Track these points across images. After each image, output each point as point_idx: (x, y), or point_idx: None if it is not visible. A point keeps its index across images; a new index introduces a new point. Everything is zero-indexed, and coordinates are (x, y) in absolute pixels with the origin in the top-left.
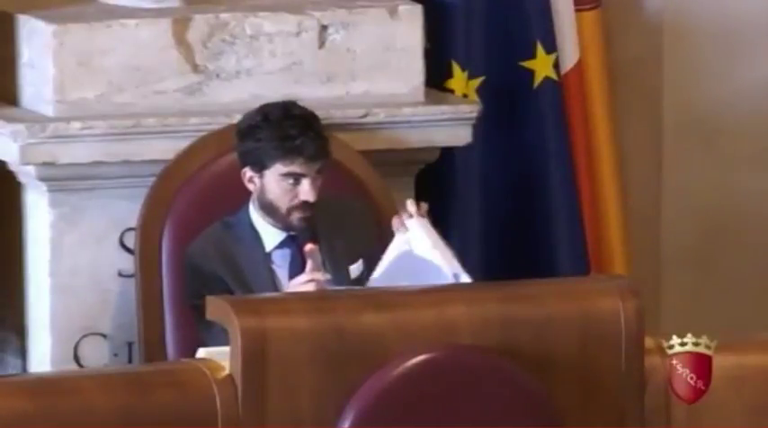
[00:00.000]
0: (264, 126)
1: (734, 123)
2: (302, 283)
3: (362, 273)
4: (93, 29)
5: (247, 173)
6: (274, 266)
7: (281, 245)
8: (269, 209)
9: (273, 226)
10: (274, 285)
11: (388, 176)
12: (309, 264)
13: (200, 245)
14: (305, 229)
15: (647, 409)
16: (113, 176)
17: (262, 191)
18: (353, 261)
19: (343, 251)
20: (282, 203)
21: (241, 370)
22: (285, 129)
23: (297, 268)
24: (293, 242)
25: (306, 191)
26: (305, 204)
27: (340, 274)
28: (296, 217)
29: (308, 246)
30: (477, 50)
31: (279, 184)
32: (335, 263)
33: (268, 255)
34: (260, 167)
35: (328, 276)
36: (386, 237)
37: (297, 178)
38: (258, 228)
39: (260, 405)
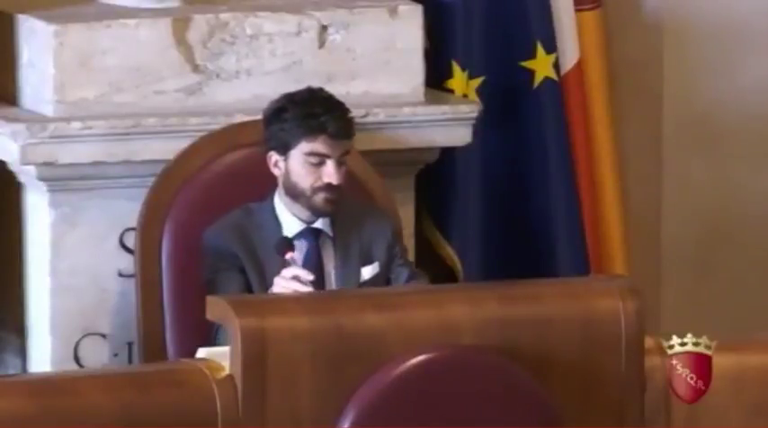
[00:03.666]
0: (290, 107)
1: (734, 123)
2: (287, 279)
3: (377, 276)
4: (93, 29)
5: (273, 157)
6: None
7: (298, 236)
8: (293, 193)
9: (295, 216)
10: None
11: (388, 176)
12: (292, 268)
13: (219, 227)
14: (326, 212)
15: (647, 409)
16: (113, 176)
17: (287, 174)
18: (368, 262)
19: (356, 251)
20: (306, 184)
21: (241, 370)
22: (310, 107)
23: (311, 260)
24: (311, 234)
25: (330, 172)
26: (329, 186)
27: (349, 273)
28: (320, 197)
29: (289, 255)
30: (477, 50)
31: (303, 165)
32: (347, 262)
33: None
34: (285, 149)
35: (311, 277)
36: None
37: (321, 159)
38: (280, 216)
39: (260, 405)
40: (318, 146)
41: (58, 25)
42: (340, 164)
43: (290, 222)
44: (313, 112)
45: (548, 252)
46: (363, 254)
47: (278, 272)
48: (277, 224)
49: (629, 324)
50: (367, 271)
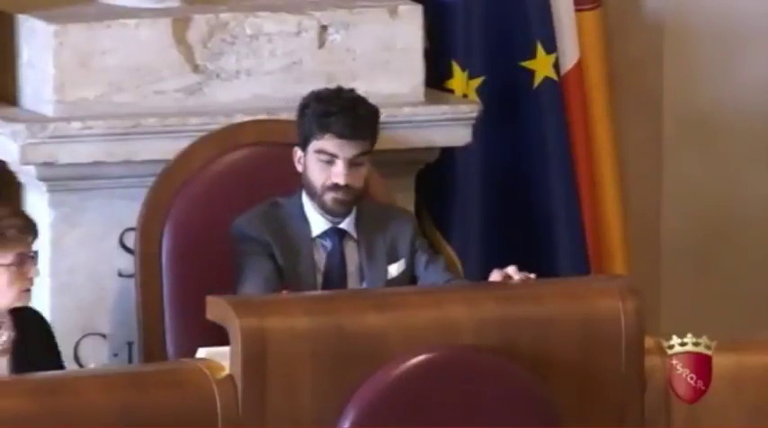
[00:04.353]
0: (312, 104)
1: (734, 123)
2: None
3: (403, 272)
4: (93, 29)
5: (297, 152)
6: (314, 252)
7: (323, 235)
8: (309, 190)
9: (320, 214)
10: (314, 268)
11: (388, 176)
12: None
13: (249, 216)
14: (335, 212)
15: (647, 409)
16: (113, 176)
17: (304, 170)
18: (394, 260)
19: (382, 250)
20: (317, 182)
21: (241, 370)
22: (327, 105)
23: (334, 260)
24: (336, 234)
25: (337, 172)
26: (336, 186)
27: (377, 272)
28: (329, 196)
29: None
30: (477, 50)
31: (315, 163)
32: (374, 261)
33: (313, 240)
34: (304, 145)
35: None
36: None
37: (330, 157)
38: (307, 214)
39: (260, 405)
40: (325, 144)
41: (58, 25)
42: (352, 164)
43: (317, 220)
44: (327, 111)
45: (548, 252)
46: (389, 252)
47: (307, 263)
48: (305, 221)
49: (629, 324)
50: (394, 269)
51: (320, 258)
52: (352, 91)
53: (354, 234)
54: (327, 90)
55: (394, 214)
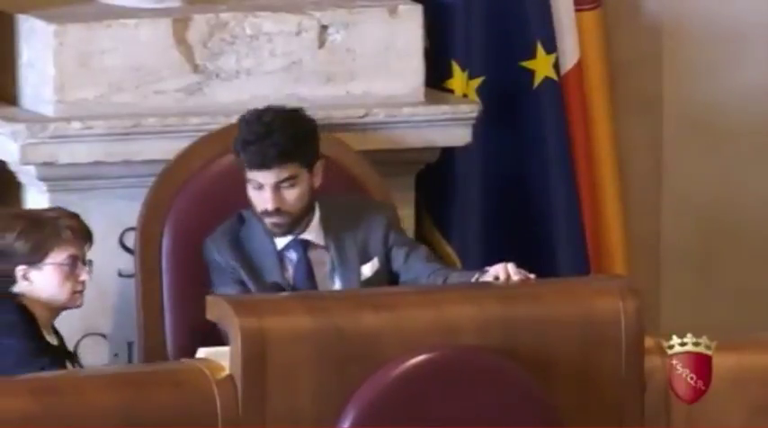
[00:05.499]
0: (239, 128)
1: (734, 123)
2: None
3: (378, 271)
4: (93, 29)
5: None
6: (282, 267)
7: (287, 247)
8: (254, 210)
9: None
10: (284, 283)
11: (388, 176)
12: None
13: (215, 239)
14: (277, 234)
15: (647, 409)
16: (113, 176)
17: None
18: (366, 260)
19: (353, 252)
20: (255, 206)
21: (241, 370)
22: (245, 133)
23: (302, 271)
24: (300, 245)
25: (265, 198)
26: (267, 211)
27: (350, 275)
28: (267, 221)
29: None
30: (477, 50)
31: (249, 188)
32: (346, 264)
33: (279, 253)
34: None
35: None
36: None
37: (258, 184)
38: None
39: (260, 405)
40: (249, 173)
41: (57, 25)
42: (279, 188)
43: None
44: (243, 139)
45: (548, 252)
46: (361, 252)
47: (276, 280)
48: (268, 236)
49: (629, 324)
50: (367, 269)
51: (288, 272)
52: (279, 110)
53: (321, 241)
54: (252, 113)
55: (364, 211)
